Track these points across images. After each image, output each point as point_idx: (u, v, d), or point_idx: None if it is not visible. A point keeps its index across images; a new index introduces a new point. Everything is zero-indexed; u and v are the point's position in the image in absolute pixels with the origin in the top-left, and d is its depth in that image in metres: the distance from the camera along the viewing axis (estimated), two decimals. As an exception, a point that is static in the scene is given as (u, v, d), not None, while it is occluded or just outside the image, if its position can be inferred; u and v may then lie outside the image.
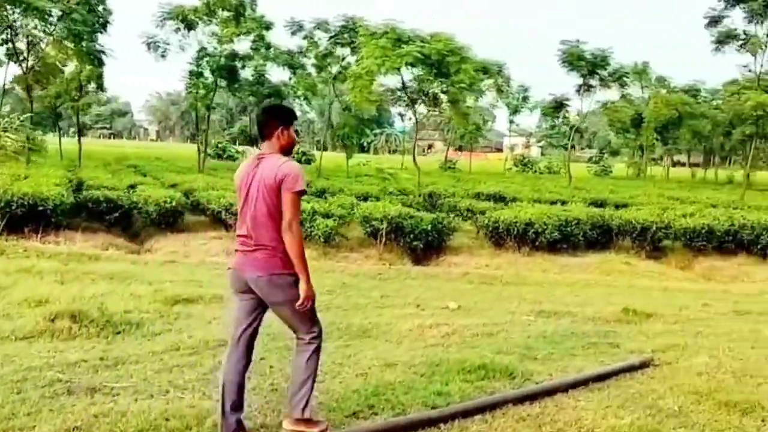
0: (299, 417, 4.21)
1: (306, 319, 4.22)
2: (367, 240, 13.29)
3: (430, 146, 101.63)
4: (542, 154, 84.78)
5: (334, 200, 15.58)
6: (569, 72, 30.71)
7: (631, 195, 23.24)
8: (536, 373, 5.80)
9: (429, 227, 12.90)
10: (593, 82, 31.08)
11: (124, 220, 14.12)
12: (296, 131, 4.31)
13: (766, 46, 30.65)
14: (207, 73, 28.35)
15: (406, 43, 18.07)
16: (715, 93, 46.58)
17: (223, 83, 30.09)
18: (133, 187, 16.72)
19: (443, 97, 20.63)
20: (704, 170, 60.24)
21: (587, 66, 30.12)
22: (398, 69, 18.65)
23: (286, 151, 4.16)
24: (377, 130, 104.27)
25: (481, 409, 4.86)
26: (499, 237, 13.52)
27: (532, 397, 5.15)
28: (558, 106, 36.64)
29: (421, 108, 23.30)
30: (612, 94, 34.75)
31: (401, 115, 69.04)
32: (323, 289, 8.23)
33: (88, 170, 22.60)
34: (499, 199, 20.06)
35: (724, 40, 32.31)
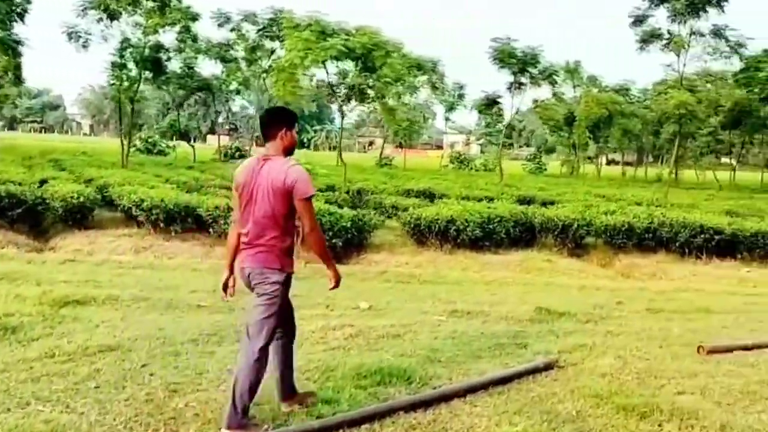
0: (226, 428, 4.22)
1: (264, 330, 4.27)
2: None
3: (370, 143, 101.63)
4: (482, 152, 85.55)
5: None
6: (500, 69, 30.89)
7: (559, 192, 23.31)
8: (436, 377, 5.57)
9: (349, 224, 12.55)
10: (524, 79, 31.32)
11: (29, 217, 13.31)
12: (298, 132, 4.53)
13: (688, 46, 31.28)
14: (131, 65, 27.46)
15: (331, 36, 17.75)
16: (646, 92, 47.75)
17: (149, 75, 29.22)
18: (44, 182, 15.91)
19: (370, 92, 20.37)
20: (635, 169, 61.54)
21: (518, 64, 30.32)
22: (323, 62, 18.35)
23: (289, 151, 4.35)
24: (317, 127, 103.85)
25: (369, 418, 4.58)
26: (422, 234, 13.26)
27: (427, 404, 4.91)
28: (490, 103, 36.78)
29: (352, 103, 23.06)
30: (545, 92, 35.16)
31: (341, 112, 68.75)
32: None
33: (2, 164, 21.58)
34: (429, 195, 19.86)
35: (648, 39, 32.85)
